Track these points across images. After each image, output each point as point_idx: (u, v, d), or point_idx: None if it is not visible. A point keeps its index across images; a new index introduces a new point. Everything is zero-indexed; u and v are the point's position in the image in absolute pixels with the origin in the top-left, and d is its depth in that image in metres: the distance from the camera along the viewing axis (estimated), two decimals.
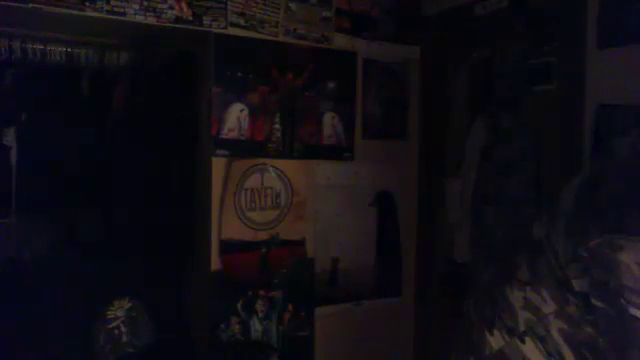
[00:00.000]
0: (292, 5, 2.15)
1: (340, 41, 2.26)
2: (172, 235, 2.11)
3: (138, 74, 2.16)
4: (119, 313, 2.08)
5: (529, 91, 2.01)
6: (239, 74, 2.05)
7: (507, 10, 2.04)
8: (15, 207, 1.99)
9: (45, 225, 2.01)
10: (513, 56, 2.09)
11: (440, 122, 2.44)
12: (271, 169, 2.14)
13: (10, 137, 1.98)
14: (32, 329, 1.96)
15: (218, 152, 2.03)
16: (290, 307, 2.18)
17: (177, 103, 2.14)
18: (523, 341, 0.90)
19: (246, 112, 2.07)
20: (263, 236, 2.13)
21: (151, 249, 2.08)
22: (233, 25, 2.04)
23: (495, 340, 0.95)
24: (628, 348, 0.76)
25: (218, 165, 2.03)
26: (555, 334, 0.85)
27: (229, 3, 2.02)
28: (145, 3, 1.88)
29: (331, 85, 2.25)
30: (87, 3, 1.79)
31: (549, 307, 0.86)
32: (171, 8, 1.93)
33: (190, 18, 1.96)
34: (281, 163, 2.16)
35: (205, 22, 1.98)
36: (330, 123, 2.26)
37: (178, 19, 1.94)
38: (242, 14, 2.05)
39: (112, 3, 1.83)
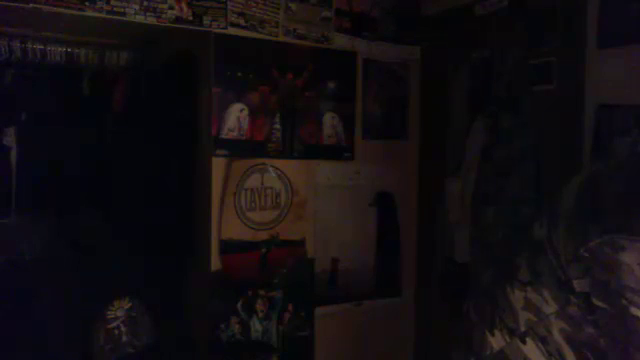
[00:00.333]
0: (292, 5, 2.14)
1: (340, 41, 2.26)
2: (172, 235, 2.11)
3: (138, 74, 2.16)
4: (119, 313, 2.08)
5: (529, 91, 2.00)
6: (239, 74, 2.05)
7: (507, 10, 2.04)
8: (15, 207, 1.99)
9: (45, 225, 2.01)
10: (513, 56, 2.09)
11: (440, 122, 2.43)
12: (271, 169, 2.14)
13: (10, 137, 1.98)
14: (32, 329, 1.96)
15: (218, 152, 2.03)
16: (290, 307, 2.18)
17: (177, 103, 2.13)
18: (524, 341, 0.90)
19: (246, 112, 2.07)
20: (263, 236, 2.12)
21: (151, 249, 2.08)
22: (233, 25, 2.04)
23: (496, 340, 0.95)
24: (630, 348, 0.75)
25: (218, 165, 2.03)
26: (556, 334, 0.85)
27: (229, 3, 2.02)
28: (145, 3, 1.88)
29: (331, 85, 2.25)
30: (87, 3, 1.79)
31: (550, 307, 0.86)
32: (171, 8, 1.93)
33: (190, 18, 1.96)
34: (281, 163, 2.16)
35: (205, 22, 1.98)
36: (330, 123, 2.26)
37: (178, 19, 1.94)
38: (242, 14, 2.05)
39: (112, 3, 1.83)
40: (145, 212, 2.10)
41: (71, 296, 1.98)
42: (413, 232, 2.50)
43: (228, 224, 2.05)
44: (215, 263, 2.03)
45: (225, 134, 2.04)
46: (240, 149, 2.07)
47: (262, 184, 2.12)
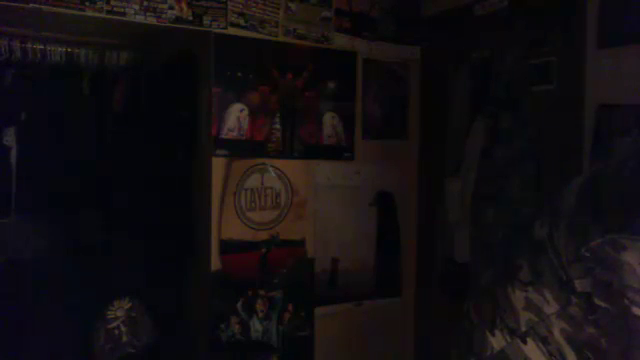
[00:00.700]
0: (292, 5, 2.14)
1: (340, 41, 2.26)
2: (172, 235, 2.11)
3: (138, 74, 2.16)
4: (119, 313, 2.08)
5: (529, 91, 2.00)
6: (239, 74, 2.05)
7: (507, 10, 2.04)
8: (15, 207, 1.98)
9: (45, 225, 2.01)
10: (513, 56, 2.09)
11: (440, 122, 2.44)
12: (271, 169, 2.14)
13: (10, 137, 1.98)
14: (32, 329, 1.96)
15: (218, 152, 2.03)
16: (290, 307, 2.18)
17: (177, 103, 2.13)
18: (525, 342, 0.90)
19: (246, 112, 2.07)
20: (263, 236, 2.12)
21: (151, 249, 2.08)
22: (233, 25, 2.04)
23: (496, 341, 0.95)
24: (631, 349, 0.75)
25: (218, 165, 2.03)
26: (557, 335, 0.85)
27: (229, 3, 2.02)
28: (145, 3, 1.88)
29: (331, 85, 2.25)
30: (87, 3, 1.78)
31: (551, 307, 0.86)
32: (171, 8, 1.92)
33: (190, 18, 1.96)
34: (281, 163, 2.16)
35: (205, 22, 1.98)
36: (330, 123, 2.26)
37: (178, 19, 1.94)
38: (242, 14, 2.05)
39: (112, 3, 1.83)
40: (145, 212, 2.10)
41: (71, 296, 1.98)
42: (413, 232, 2.50)
43: (228, 224, 2.05)
44: (215, 263, 2.03)
45: (225, 134, 2.04)
46: (240, 149, 2.07)
47: (262, 184, 2.12)
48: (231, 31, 2.03)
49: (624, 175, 0.82)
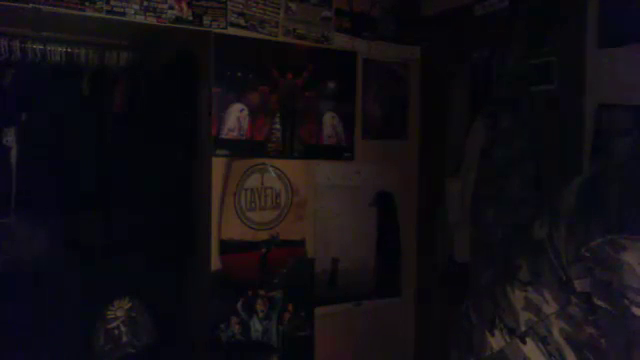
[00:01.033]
0: (292, 5, 2.14)
1: (340, 41, 2.26)
2: (172, 235, 2.11)
3: (138, 74, 2.16)
4: (119, 313, 2.08)
5: (529, 91, 2.00)
6: (239, 74, 2.05)
7: (507, 10, 2.04)
8: (15, 207, 1.98)
9: (45, 225, 2.01)
10: (513, 56, 2.09)
11: (440, 122, 2.43)
12: (271, 169, 2.14)
13: (10, 137, 1.98)
14: (32, 329, 1.96)
15: (218, 152, 2.03)
16: (290, 307, 2.18)
17: (177, 103, 2.13)
18: (524, 341, 0.90)
19: (246, 112, 2.07)
20: (263, 236, 2.13)
21: (151, 249, 2.08)
22: (233, 25, 2.04)
23: (496, 340, 0.95)
24: (630, 348, 0.75)
25: (218, 165, 2.04)
26: (556, 334, 0.85)
27: (229, 3, 2.02)
28: (145, 3, 1.88)
29: (331, 85, 2.25)
30: (87, 3, 1.79)
31: (550, 307, 0.86)
32: (171, 8, 1.93)
33: (190, 18, 1.96)
34: (281, 163, 2.16)
35: (205, 22, 1.98)
36: (330, 123, 2.26)
37: (178, 19, 1.94)
38: (242, 14, 2.05)
39: (112, 3, 1.83)
40: (145, 212, 2.10)
41: (71, 296, 1.98)
42: (413, 232, 2.50)
43: (228, 224, 2.05)
44: (215, 263, 2.03)
45: (225, 134, 2.04)
46: (240, 149, 2.07)
47: (262, 184, 2.12)
48: (231, 31, 2.04)
49: (624, 175, 0.82)
